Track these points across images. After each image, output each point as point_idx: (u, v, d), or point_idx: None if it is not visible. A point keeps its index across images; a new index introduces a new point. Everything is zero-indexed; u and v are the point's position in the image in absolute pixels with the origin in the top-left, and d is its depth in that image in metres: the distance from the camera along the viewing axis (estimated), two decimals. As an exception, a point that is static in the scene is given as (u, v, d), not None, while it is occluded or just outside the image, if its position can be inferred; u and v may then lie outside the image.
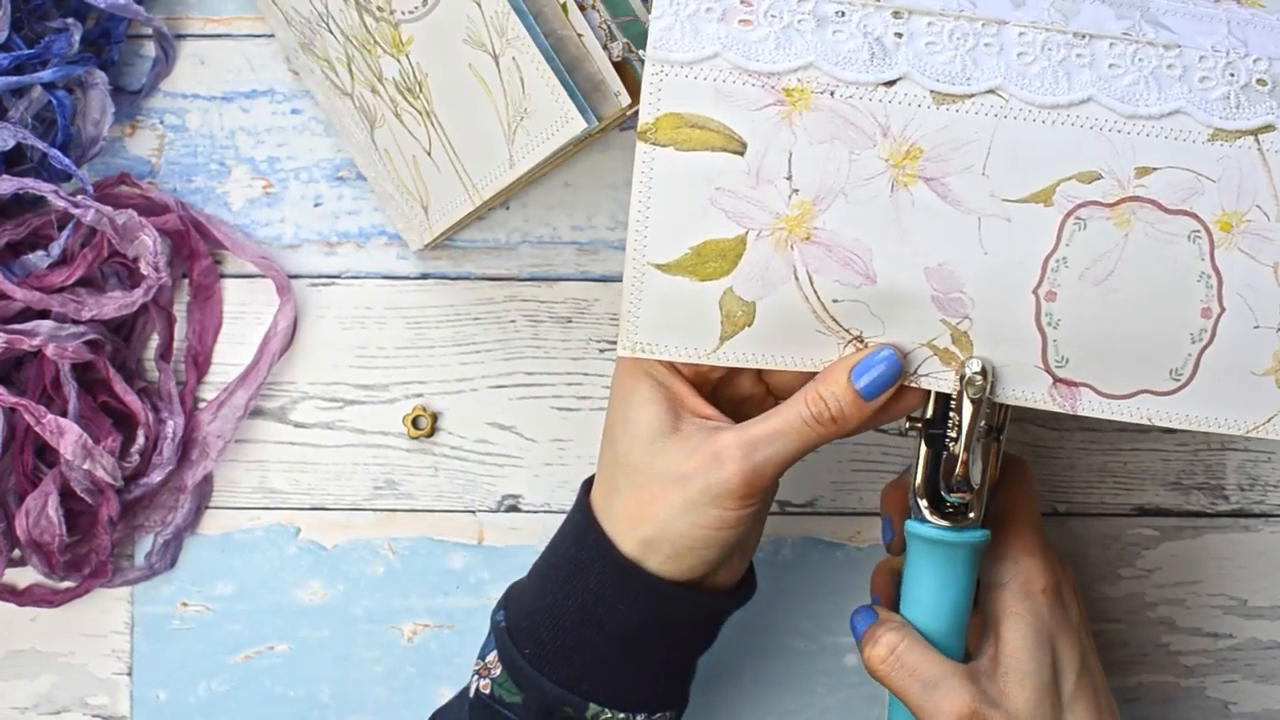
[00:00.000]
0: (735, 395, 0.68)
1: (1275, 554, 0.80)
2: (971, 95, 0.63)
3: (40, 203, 0.76)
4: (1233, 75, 0.64)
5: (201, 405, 0.79)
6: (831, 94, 0.63)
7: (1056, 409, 0.65)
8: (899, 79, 0.63)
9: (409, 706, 0.79)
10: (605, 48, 0.69)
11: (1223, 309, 0.64)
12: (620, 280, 0.78)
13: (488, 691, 0.67)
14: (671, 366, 0.66)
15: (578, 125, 0.66)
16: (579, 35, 0.68)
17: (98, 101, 0.75)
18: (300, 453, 0.79)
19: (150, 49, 0.78)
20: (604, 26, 0.70)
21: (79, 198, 0.74)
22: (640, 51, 0.69)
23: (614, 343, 0.79)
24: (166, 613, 0.80)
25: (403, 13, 0.70)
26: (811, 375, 0.65)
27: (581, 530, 0.66)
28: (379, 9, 0.70)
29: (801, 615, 0.80)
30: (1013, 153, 0.63)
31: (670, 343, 0.65)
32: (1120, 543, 0.80)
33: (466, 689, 0.70)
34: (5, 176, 0.73)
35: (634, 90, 0.69)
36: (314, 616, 0.80)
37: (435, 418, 0.77)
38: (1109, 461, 0.80)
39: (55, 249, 0.75)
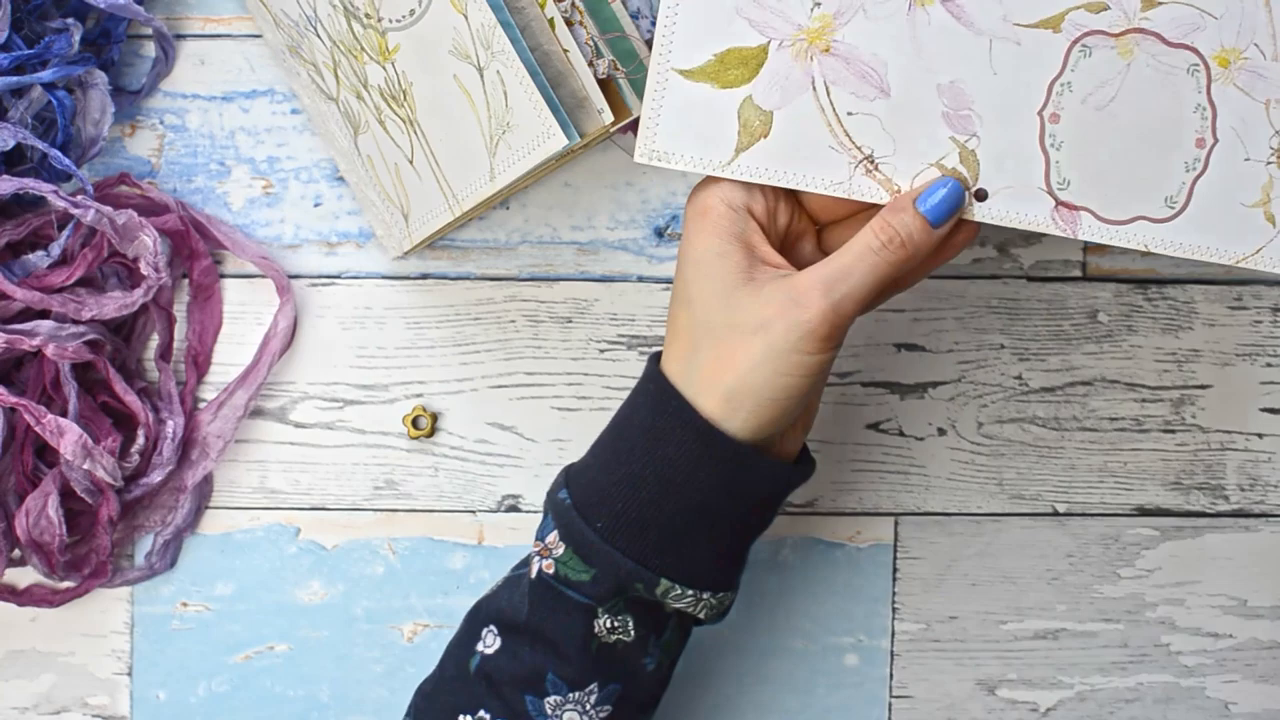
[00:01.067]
0: (798, 261, 0.68)
1: (1275, 554, 0.80)
2: None
3: (40, 203, 0.76)
4: None
5: (201, 405, 0.79)
6: None
7: (1058, 232, 0.67)
8: None
9: (409, 706, 0.80)
10: (590, 64, 0.69)
11: (1216, 140, 0.67)
12: (620, 280, 0.78)
13: (551, 572, 0.66)
14: (745, 216, 0.66)
15: (559, 141, 0.66)
16: (565, 51, 0.68)
17: (98, 101, 0.75)
18: (300, 453, 0.79)
19: (150, 49, 0.78)
20: (590, 43, 0.70)
21: (79, 198, 0.74)
22: (626, 69, 0.70)
23: (615, 343, 0.79)
24: (166, 613, 0.80)
25: (390, 20, 0.70)
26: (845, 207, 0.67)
27: (658, 398, 0.66)
28: (367, 16, 0.70)
29: (801, 615, 0.80)
30: None
31: (687, 152, 0.67)
32: (1120, 543, 0.80)
33: (518, 575, 0.68)
34: (5, 176, 0.73)
35: (618, 108, 0.70)
36: (314, 616, 0.80)
37: (435, 418, 0.77)
38: (1109, 461, 0.80)
39: (55, 249, 0.75)
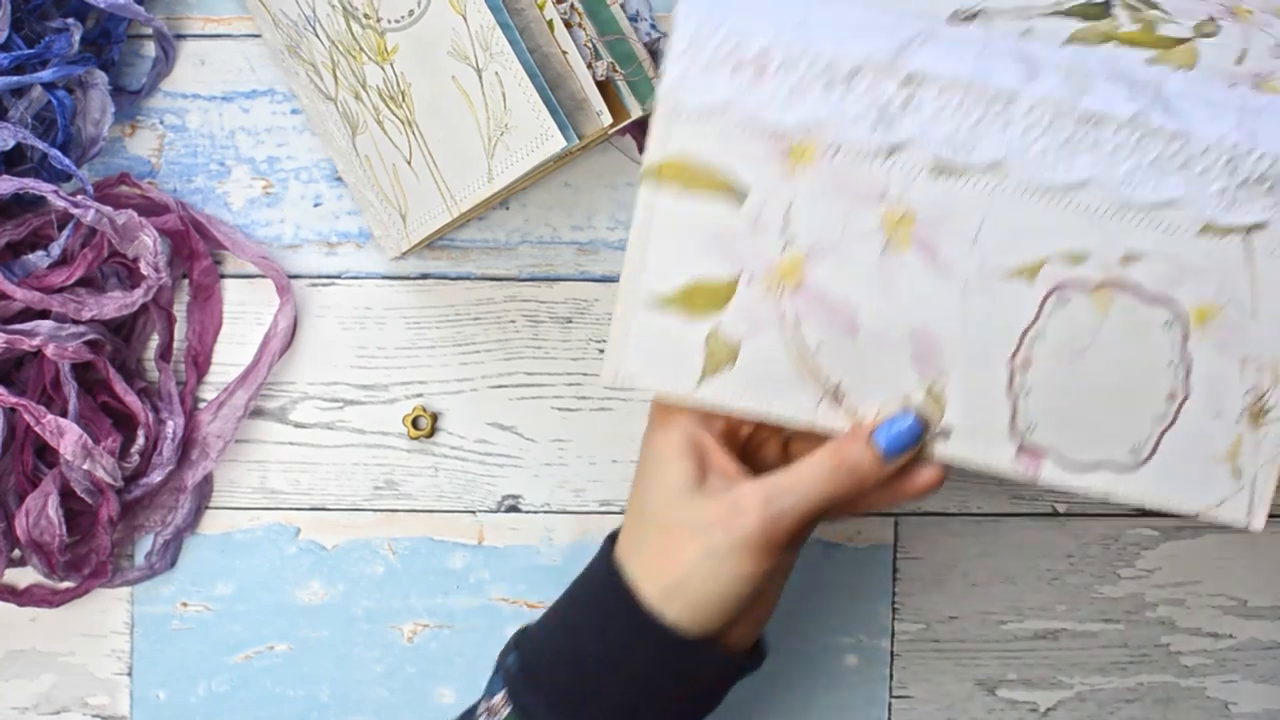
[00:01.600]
0: (761, 464, 0.68)
1: (1275, 554, 0.80)
2: (972, 167, 0.64)
3: (40, 203, 0.76)
4: (1234, 170, 0.64)
5: (201, 405, 0.79)
6: (835, 153, 0.64)
7: (1017, 477, 0.66)
8: (903, 145, 0.64)
9: (409, 706, 0.80)
10: (590, 66, 0.69)
11: (1187, 395, 0.66)
12: (620, 281, 0.78)
13: None
14: (703, 422, 0.67)
15: (557, 143, 0.66)
16: (564, 53, 0.68)
17: (98, 101, 0.75)
18: (300, 453, 0.79)
19: (150, 49, 0.78)
20: (589, 45, 0.70)
21: (79, 198, 0.74)
22: (624, 72, 0.70)
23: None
24: (166, 613, 0.80)
25: (389, 21, 0.70)
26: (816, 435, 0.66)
27: (604, 578, 0.67)
28: (366, 16, 0.70)
29: (801, 615, 0.80)
30: (1005, 227, 0.64)
31: (654, 376, 0.66)
32: (1120, 543, 0.80)
33: None
34: (5, 176, 0.73)
35: (616, 110, 0.70)
36: (314, 616, 0.80)
37: (435, 418, 0.77)
38: (1109, 461, 0.80)
39: (55, 249, 0.75)
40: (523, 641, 0.69)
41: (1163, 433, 0.66)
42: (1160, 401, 0.66)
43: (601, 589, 0.67)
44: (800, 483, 0.64)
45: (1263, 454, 0.66)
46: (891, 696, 0.80)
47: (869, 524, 0.79)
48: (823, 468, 0.65)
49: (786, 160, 0.65)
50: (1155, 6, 0.66)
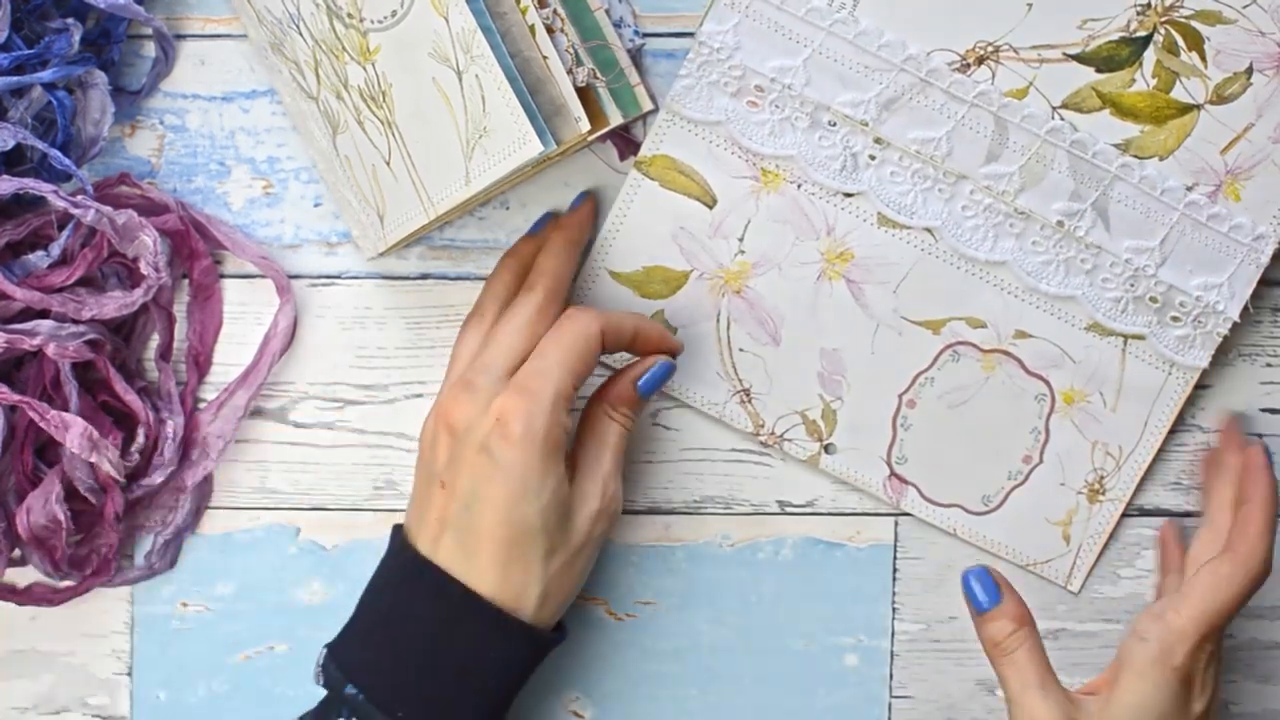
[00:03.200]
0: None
1: (1275, 554, 0.80)
2: (910, 227, 0.74)
3: (40, 203, 0.76)
4: (1132, 285, 0.74)
5: (202, 405, 0.79)
6: (799, 186, 0.74)
7: (883, 498, 0.77)
8: (858, 193, 0.74)
9: (409, 706, 0.79)
10: (570, 72, 0.69)
11: (1040, 461, 0.77)
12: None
13: None
14: (565, 433, 0.70)
15: (535, 148, 0.66)
16: (544, 58, 0.68)
17: (98, 101, 0.75)
18: (300, 453, 0.79)
19: (150, 49, 0.78)
20: (571, 50, 0.71)
21: (79, 198, 0.74)
22: (606, 78, 0.71)
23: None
24: (166, 613, 0.80)
25: (372, 21, 0.70)
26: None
27: (439, 591, 0.69)
28: (349, 16, 0.70)
29: (801, 615, 0.80)
30: (924, 284, 0.75)
31: None
32: (1120, 543, 0.80)
33: None
34: (5, 176, 0.73)
35: (596, 116, 0.71)
36: (314, 616, 0.80)
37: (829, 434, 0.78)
38: (1109, 461, 0.80)
39: (55, 249, 0.75)
40: (354, 671, 0.69)
41: (1013, 489, 0.77)
42: (1017, 461, 0.77)
43: (440, 605, 0.69)
44: (619, 452, 0.72)
45: (1092, 527, 0.77)
46: (891, 696, 0.80)
47: (869, 524, 0.79)
48: (622, 435, 0.73)
49: (756, 182, 0.75)
50: (1199, 46, 0.72)
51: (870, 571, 0.80)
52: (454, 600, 0.69)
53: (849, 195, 0.74)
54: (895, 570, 0.80)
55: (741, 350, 0.76)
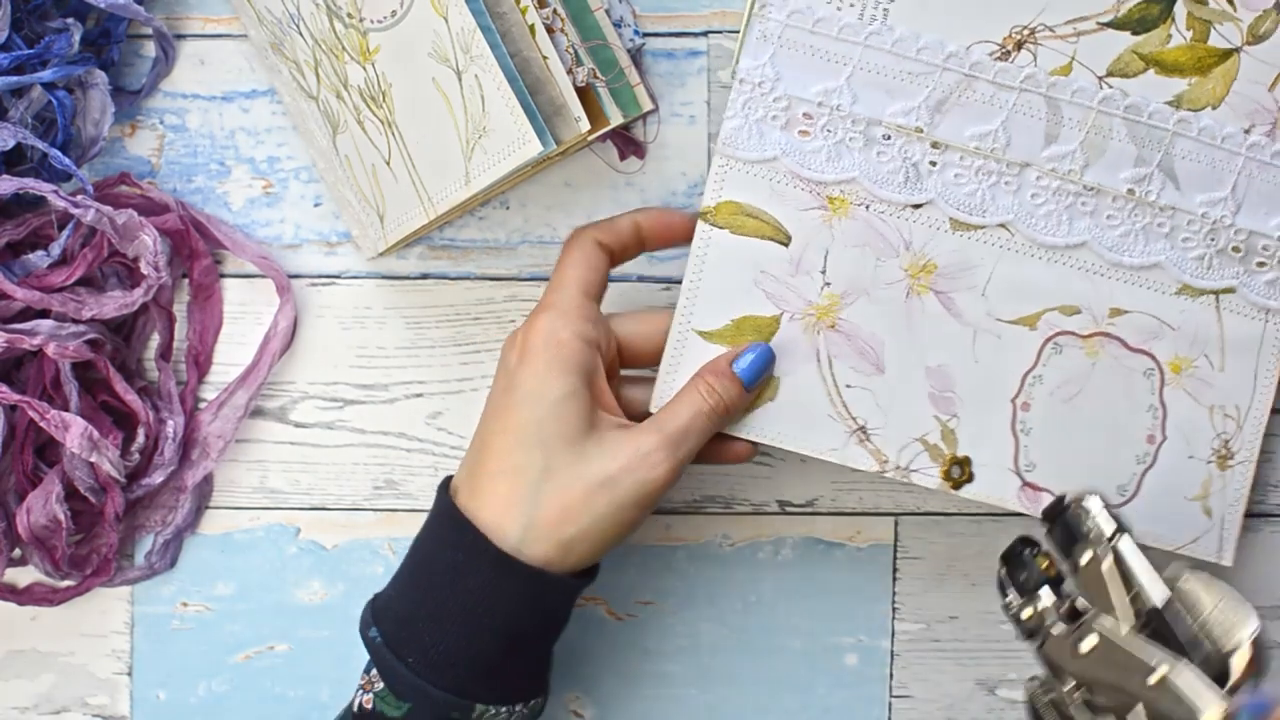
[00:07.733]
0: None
1: (1275, 554, 0.80)
2: (984, 226, 0.72)
3: (40, 203, 0.76)
4: (1212, 240, 0.73)
5: (202, 405, 0.79)
6: (867, 207, 0.72)
7: (1022, 510, 0.74)
8: (926, 203, 0.72)
9: (409, 706, 0.79)
10: (570, 72, 0.70)
11: (1164, 438, 0.74)
12: (619, 280, 0.78)
13: (370, 706, 0.68)
14: (595, 352, 0.68)
15: (534, 148, 0.67)
16: (544, 58, 0.68)
17: (98, 101, 0.76)
18: (300, 453, 0.79)
19: (150, 49, 0.78)
20: (570, 50, 0.71)
21: (79, 198, 0.74)
22: (605, 78, 0.71)
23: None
24: (166, 613, 0.80)
25: (372, 21, 0.70)
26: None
27: (454, 531, 0.67)
28: (349, 16, 0.70)
29: (801, 615, 0.80)
30: (1010, 280, 0.73)
31: None
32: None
33: (350, 705, 0.70)
34: (5, 176, 0.73)
35: (596, 116, 0.71)
36: (314, 616, 0.80)
37: (967, 462, 0.76)
38: (1109, 461, 0.80)
39: (55, 249, 0.75)
40: (380, 613, 0.69)
41: (1144, 472, 0.74)
42: (1141, 443, 0.74)
43: (454, 546, 0.67)
44: (693, 425, 0.69)
45: (1229, 495, 0.75)
46: (891, 696, 0.80)
47: (869, 524, 0.79)
48: (705, 409, 0.69)
49: (825, 211, 0.72)
50: None
51: (870, 571, 0.80)
52: (463, 534, 0.67)
53: (918, 206, 0.72)
54: (895, 570, 0.80)
55: (849, 386, 0.73)
